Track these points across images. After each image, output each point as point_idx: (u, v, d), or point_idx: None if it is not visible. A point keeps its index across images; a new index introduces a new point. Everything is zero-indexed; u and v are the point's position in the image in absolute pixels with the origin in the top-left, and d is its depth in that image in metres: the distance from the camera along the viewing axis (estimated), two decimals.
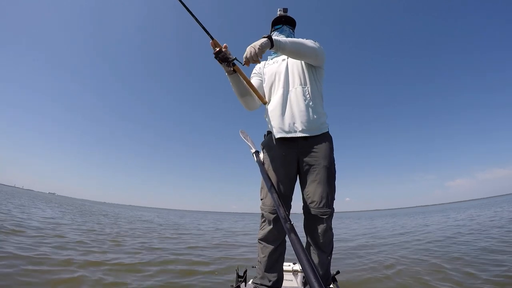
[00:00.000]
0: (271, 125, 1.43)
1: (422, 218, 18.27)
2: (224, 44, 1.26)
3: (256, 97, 1.51)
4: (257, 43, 1.19)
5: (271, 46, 1.24)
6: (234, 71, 1.35)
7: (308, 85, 1.44)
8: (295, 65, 1.46)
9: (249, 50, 1.19)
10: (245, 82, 1.42)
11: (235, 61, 1.28)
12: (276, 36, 1.43)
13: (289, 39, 1.33)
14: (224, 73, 1.38)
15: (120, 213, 22.72)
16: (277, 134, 1.38)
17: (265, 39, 1.22)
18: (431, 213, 24.68)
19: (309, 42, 1.38)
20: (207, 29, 1.22)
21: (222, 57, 1.25)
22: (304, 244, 1.26)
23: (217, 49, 1.23)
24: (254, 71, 1.64)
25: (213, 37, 1.23)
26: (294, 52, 1.35)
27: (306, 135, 1.37)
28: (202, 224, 15.23)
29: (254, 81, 1.55)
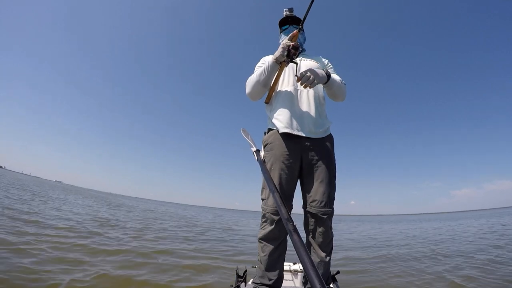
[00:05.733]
0: (277, 119, 1.42)
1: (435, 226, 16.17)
2: (297, 42, 1.31)
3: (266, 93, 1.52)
4: (319, 75, 1.30)
5: (325, 82, 1.37)
6: (280, 64, 1.37)
7: (320, 91, 1.51)
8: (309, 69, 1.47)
9: (310, 76, 1.26)
10: (275, 77, 1.44)
11: (287, 61, 1.31)
12: (332, 73, 1.46)
13: (338, 81, 1.44)
14: (275, 56, 1.35)
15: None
16: (283, 129, 1.38)
17: (326, 76, 1.35)
18: (441, 221, 23.12)
19: (344, 89, 1.50)
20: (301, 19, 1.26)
21: (293, 55, 1.28)
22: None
23: (296, 45, 1.27)
24: (260, 63, 1.58)
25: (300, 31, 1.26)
26: (333, 93, 1.46)
27: (313, 137, 1.39)
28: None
29: (253, 74, 1.51)
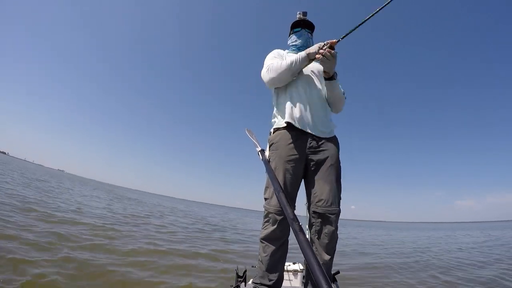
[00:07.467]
0: (287, 114, 1.42)
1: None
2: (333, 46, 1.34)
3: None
4: (335, 63, 1.34)
5: (331, 78, 1.41)
6: (310, 60, 1.41)
7: (325, 92, 1.51)
8: (318, 71, 1.52)
9: (332, 53, 1.29)
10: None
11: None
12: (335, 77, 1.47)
13: (341, 89, 1.50)
14: (308, 51, 1.38)
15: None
16: (288, 119, 1.40)
17: (335, 73, 1.42)
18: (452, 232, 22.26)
19: (344, 100, 1.53)
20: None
21: (327, 54, 1.29)
22: None
23: (332, 49, 1.30)
24: (275, 54, 1.61)
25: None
26: (334, 95, 1.49)
27: (319, 135, 1.41)
28: None
29: (276, 62, 1.49)
